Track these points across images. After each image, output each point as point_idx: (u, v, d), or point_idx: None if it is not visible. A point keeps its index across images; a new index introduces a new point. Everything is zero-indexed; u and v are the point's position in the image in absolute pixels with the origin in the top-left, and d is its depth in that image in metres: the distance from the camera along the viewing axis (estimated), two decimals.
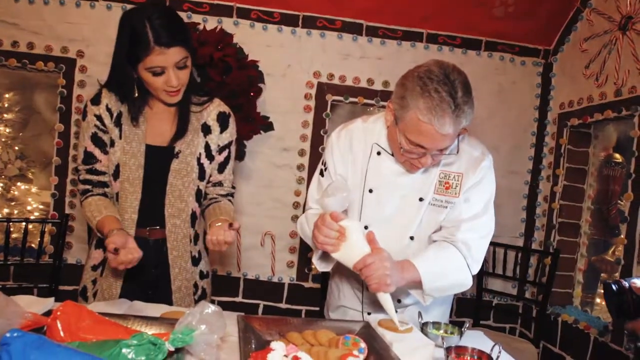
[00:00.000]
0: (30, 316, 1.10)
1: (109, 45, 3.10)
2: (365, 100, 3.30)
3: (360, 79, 3.29)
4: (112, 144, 1.69)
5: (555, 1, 3.16)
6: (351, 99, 3.29)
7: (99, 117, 1.68)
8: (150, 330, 1.27)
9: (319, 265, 1.67)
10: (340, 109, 3.42)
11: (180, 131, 1.71)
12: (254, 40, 3.17)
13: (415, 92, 1.40)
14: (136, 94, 1.64)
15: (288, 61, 3.24)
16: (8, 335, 0.89)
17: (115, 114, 1.68)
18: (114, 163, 1.68)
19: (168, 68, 1.56)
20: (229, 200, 1.83)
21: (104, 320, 1.19)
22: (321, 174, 1.74)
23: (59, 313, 1.12)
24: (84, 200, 1.69)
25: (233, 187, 1.87)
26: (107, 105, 1.68)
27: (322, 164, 1.75)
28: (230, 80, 2.93)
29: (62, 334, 1.10)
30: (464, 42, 3.34)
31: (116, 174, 1.68)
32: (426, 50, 3.31)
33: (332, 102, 3.30)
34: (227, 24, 3.15)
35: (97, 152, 1.69)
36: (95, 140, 1.68)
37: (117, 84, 1.66)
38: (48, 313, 1.20)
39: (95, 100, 1.69)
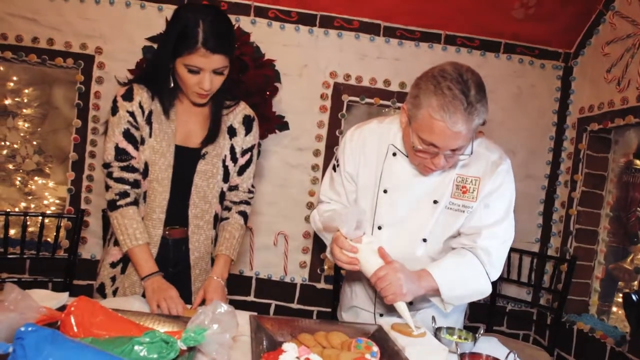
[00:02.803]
0: (45, 311, 1.11)
1: (127, 42, 3.15)
2: (382, 102, 3.28)
3: (376, 79, 3.27)
4: (142, 142, 1.67)
5: (577, 4, 3.11)
6: (367, 100, 3.27)
7: (131, 114, 1.65)
8: (162, 328, 1.27)
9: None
10: (356, 109, 3.40)
11: (212, 135, 1.71)
12: (271, 39, 3.17)
13: (428, 90, 1.41)
14: (172, 84, 1.63)
15: (305, 61, 3.23)
16: (22, 329, 0.89)
17: (147, 112, 1.67)
18: (142, 161, 1.67)
19: (205, 71, 1.55)
20: (241, 213, 1.83)
21: (117, 316, 1.20)
22: (334, 169, 1.77)
23: (73, 308, 1.13)
24: (122, 208, 1.64)
25: (250, 192, 1.87)
26: (139, 102, 1.66)
27: (336, 159, 1.77)
28: (246, 79, 2.93)
29: (75, 329, 1.11)
30: (482, 44, 3.30)
31: (145, 173, 1.67)
32: (444, 51, 3.28)
33: (348, 102, 3.28)
34: (245, 23, 3.15)
35: (130, 149, 1.66)
36: (128, 136, 1.66)
37: (154, 73, 1.65)
38: (62, 308, 1.21)
39: (128, 96, 1.66)
